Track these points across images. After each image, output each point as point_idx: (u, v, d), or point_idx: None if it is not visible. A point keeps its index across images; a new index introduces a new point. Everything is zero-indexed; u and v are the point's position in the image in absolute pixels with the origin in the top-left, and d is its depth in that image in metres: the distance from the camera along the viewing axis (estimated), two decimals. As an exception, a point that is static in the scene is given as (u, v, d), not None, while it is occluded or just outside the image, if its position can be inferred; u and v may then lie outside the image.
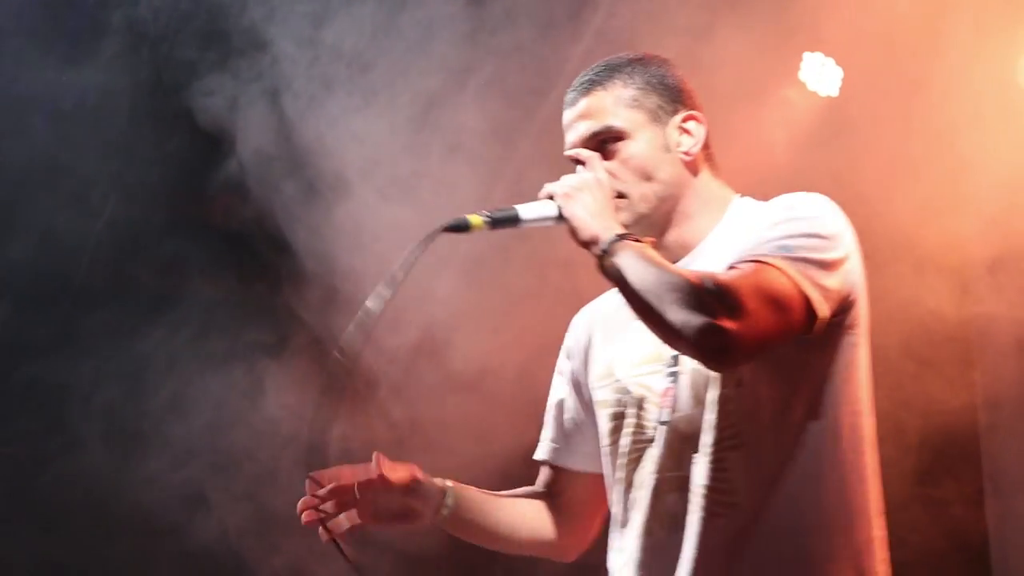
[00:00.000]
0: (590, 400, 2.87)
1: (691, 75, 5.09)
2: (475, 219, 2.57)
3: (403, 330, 5.35)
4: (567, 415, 2.96)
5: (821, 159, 5.14)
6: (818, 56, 5.56)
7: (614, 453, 2.76)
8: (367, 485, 2.78)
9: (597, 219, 2.52)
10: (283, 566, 5.82)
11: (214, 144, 5.44)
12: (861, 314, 2.59)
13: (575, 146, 2.70)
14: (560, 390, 2.98)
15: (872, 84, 5.36)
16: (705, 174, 2.73)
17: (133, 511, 5.83)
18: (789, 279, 2.44)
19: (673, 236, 2.70)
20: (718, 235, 2.68)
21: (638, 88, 2.70)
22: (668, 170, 2.67)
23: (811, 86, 5.57)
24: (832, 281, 2.49)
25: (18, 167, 5.94)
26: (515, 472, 3.65)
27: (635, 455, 2.69)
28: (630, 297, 2.48)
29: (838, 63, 5.54)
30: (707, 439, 2.54)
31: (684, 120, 2.72)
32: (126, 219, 6.06)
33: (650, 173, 2.66)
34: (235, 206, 5.56)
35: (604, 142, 2.68)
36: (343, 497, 2.78)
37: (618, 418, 2.74)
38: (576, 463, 2.96)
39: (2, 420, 6.24)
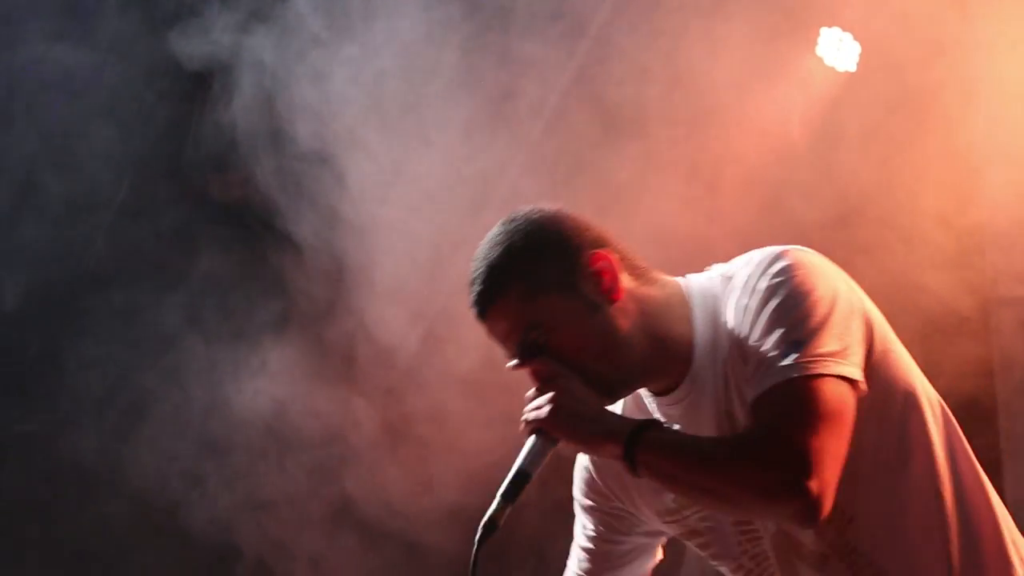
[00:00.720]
0: (645, 527, 2.65)
1: (707, 51, 5.14)
2: (497, 513, 2.34)
3: (414, 322, 5.33)
4: (608, 548, 2.68)
5: (836, 135, 5.13)
6: (835, 31, 5.53)
7: (719, 565, 2.59)
8: None
9: (593, 426, 2.34)
10: (270, 545, 5.82)
11: (228, 118, 5.42)
12: (875, 320, 2.39)
13: (512, 357, 2.43)
14: (595, 527, 2.68)
15: (887, 60, 5.33)
16: (641, 290, 2.44)
17: (135, 484, 5.85)
18: (825, 378, 2.25)
19: (664, 365, 2.44)
20: (703, 337, 2.41)
21: (532, 274, 2.39)
22: (609, 326, 2.39)
23: (828, 61, 5.53)
24: (851, 334, 2.31)
25: (33, 146, 5.95)
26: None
27: (767, 571, 2.51)
28: (686, 494, 2.37)
29: (855, 38, 5.52)
30: (816, 543, 2.40)
31: (590, 266, 2.41)
32: (140, 196, 6.07)
33: (596, 344, 2.39)
34: (248, 182, 5.56)
35: (535, 341, 2.39)
36: None
37: (706, 547, 2.56)
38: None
39: (20, 398, 6.27)
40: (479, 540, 2.33)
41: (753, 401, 2.28)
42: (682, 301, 2.44)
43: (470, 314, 2.48)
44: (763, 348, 2.28)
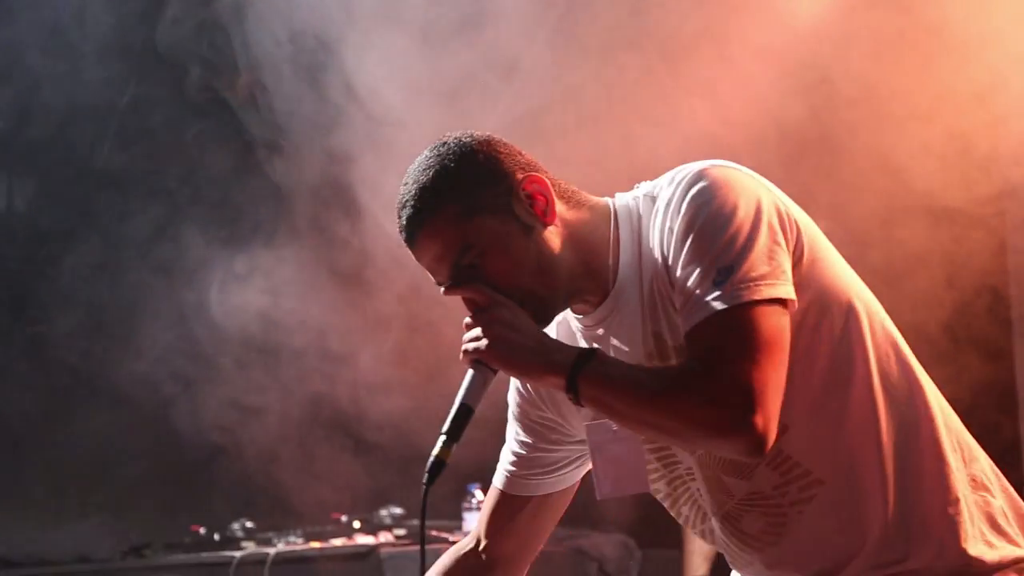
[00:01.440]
0: (575, 438, 2.61)
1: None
2: (443, 451, 2.30)
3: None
4: (538, 455, 2.65)
5: (844, 35, 5.04)
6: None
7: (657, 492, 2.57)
8: None
9: (534, 357, 2.31)
10: (256, 451, 5.82)
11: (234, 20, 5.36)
12: (803, 228, 2.33)
13: (443, 283, 2.39)
14: (526, 435, 2.65)
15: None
16: (569, 212, 2.42)
17: (130, 387, 5.88)
18: (758, 304, 2.22)
19: (589, 286, 2.41)
20: (627, 257, 2.39)
21: (466, 195, 2.36)
22: (543, 248, 2.37)
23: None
24: (780, 251, 2.27)
25: (37, 43, 5.91)
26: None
27: (683, 495, 2.50)
28: (630, 426, 2.36)
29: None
30: None
31: (523, 189, 2.37)
32: (147, 97, 6.04)
33: (530, 267, 2.36)
34: (255, 83, 5.49)
35: (470, 263, 2.36)
36: None
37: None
38: (543, 488, 2.67)
39: (31, 299, 6.30)
40: (428, 481, 2.30)
41: (688, 332, 2.25)
42: (607, 222, 2.42)
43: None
44: (692, 277, 2.26)
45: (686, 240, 2.28)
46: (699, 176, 2.31)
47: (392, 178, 4.98)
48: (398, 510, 5.81)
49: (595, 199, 2.46)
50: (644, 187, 2.43)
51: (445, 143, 2.41)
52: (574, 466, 2.66)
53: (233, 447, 5.77)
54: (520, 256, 2.36)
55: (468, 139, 2.41)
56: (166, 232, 5.85)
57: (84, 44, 5.80)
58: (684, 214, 2.29)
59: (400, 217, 2.41)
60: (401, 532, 5.65)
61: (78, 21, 5.75)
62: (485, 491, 5.48)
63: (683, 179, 2.32)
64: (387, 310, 5.55)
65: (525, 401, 2.63)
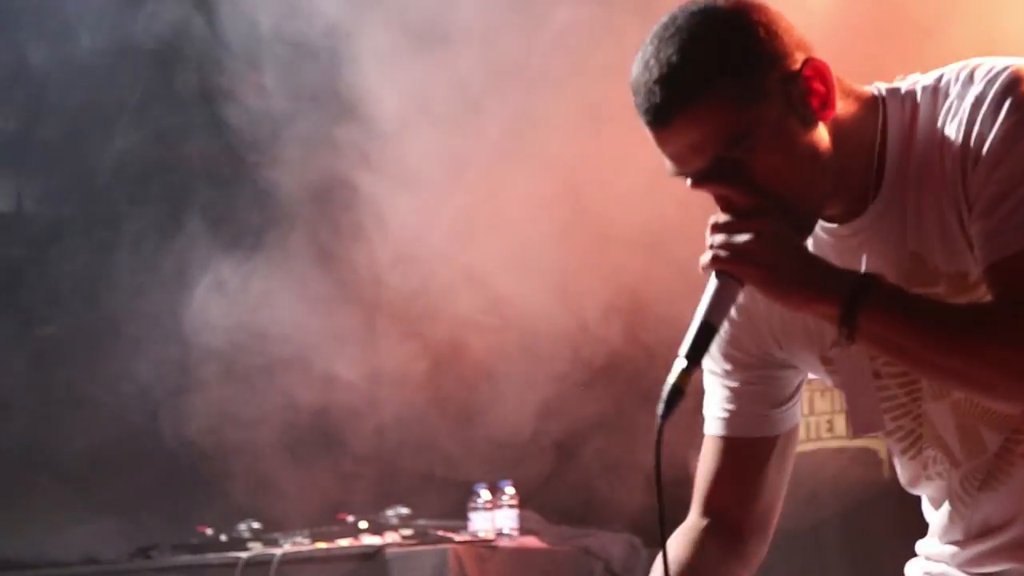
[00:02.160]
0: (788, 364, 2.25)
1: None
2: (682, 377, 1.94)
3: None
4: (754, 387, 2.25)
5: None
6: None
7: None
8: None
9: (805, 279, 1.96)
10: (245, 465, 5.82)
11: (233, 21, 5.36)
12: None
13: (692, 174, 1.99)
14: (734, 363, 2.25)
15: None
16: (840, 104, 2.03)
17: (123, 396, 5.89)
18: None
19: (847, 192, 2.05)
20: (897, 160, 2.04)
21: (747, 74, 1.96)
22: (816, 147, 1.99)
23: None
24: None
25: (50, 43, 5.92)
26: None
27: (928, 437, 2.17)
28: (919, 369, 2.04)
29: None
30: None
31: (807, 73, 1.99)
32: (156, 97, 6.04)
33: (803, 170, 1.98)
34: (261, 86, 5.49)
35: (736, 157, 1.97)
36: None
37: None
38: (775, 428, 2.27)
39: (42, 301, 6.31)
40: (664, 413, 1.94)
41: (995, 264, 1.94)
42: (875, 117, 2.06)
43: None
44: (1007, 199, 1.93)
45: (1003, 152, 1.95)
46: (1018, 78, 1.97)
47: (392, 188, 4.99)
48: (404, 510, 5.80)
49: (857, 87, 2.09)
50: (916, 78, 2.09)
51: (711, 7, 1.99)
52: (797, 400, 2.28)
53: (239, 449, 5.77)
54: (795, 155, 1.98)
55: (742, 5, 2.00)
56: (184, 234, 5.85)
57: (91, 44, 5.80)
58: (1004, 120, 1.95)
59: (648, 92, 1.97)
60: (407, 532, 5.63)
61: (83, 20, 5.76)
62: (491, 491, 5.50)
63: (996, 76, 1.99)
64: (392, 313, 5.55)
65: (738, 327, 2.22)
